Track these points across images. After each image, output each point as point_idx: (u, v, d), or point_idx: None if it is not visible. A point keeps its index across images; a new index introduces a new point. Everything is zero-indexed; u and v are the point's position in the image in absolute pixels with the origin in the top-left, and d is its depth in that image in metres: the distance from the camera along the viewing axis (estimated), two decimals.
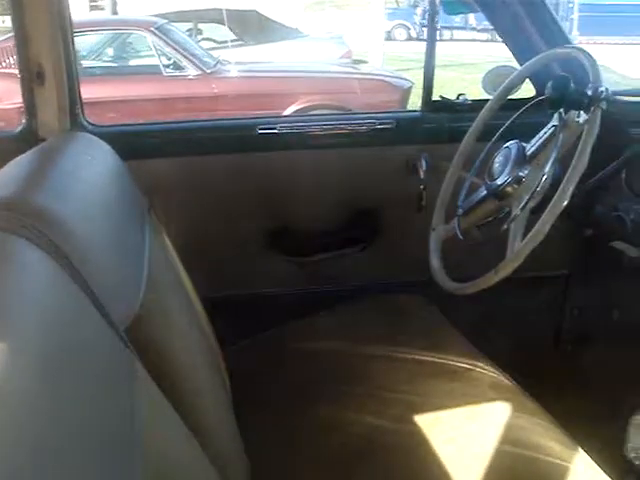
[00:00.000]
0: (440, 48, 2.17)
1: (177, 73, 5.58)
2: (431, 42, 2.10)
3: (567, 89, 1.51)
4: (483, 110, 1.89)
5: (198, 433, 1.00)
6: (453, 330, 1.88)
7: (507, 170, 1.66)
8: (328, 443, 1.47)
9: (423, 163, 2.09)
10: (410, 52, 10.77)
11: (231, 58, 6.34)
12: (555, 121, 1.63)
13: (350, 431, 1.50)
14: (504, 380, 1.67)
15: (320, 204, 2.10)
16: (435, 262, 1.78)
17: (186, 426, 0.96)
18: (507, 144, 1.73)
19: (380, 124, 2.08)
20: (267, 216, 2.12)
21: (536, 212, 1.66)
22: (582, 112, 1.53)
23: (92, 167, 1.29)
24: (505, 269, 1.53)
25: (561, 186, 1.47)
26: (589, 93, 1.51)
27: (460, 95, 2.16)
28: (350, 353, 1.77)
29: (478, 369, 1.69)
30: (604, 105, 1.50)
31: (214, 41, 7.50)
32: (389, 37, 13.77)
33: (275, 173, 2.06)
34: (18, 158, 1.18)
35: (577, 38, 11.67)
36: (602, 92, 1.49)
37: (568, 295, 2.35)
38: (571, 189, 1.46)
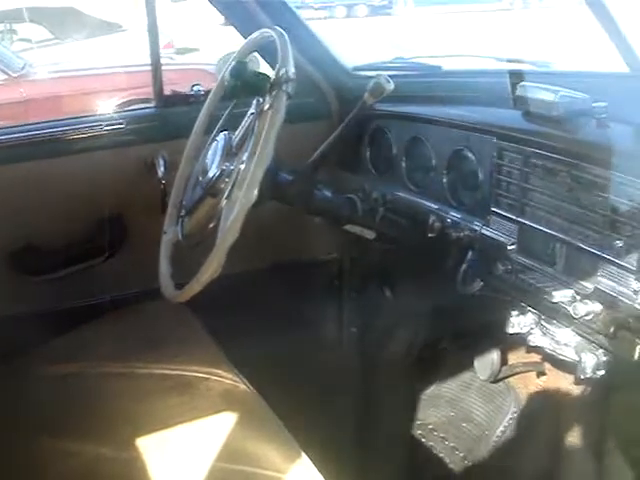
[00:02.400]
0: None
1: None
2: (153, 32, 1.97)
3: (244, 75, 1.40)
4: (207, 101, 1.78)
5: None
6: (202, 336, 1.78)
7: (215, 164, 1.55)
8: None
9: (161, 161, 1.96)
10: None
11: (46, 59, 6.03)
12: (253, 108, 1.52)
13: (70, 463, 1.38)
14: (240, 387, 1.59)
15: (59, 216, 1.95)
16: (163, 268, 1.66)
17: None
18: (217, 136, 1.62)
19: (108, 125, 1.93)
20: (5, 236, 1.94)
21: (258, 205, 1.57)
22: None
23: None
24: (207, 273, 1.42)
25: (247, 178, 1.36)
26: (272, 77, 1.41)
27: (194, 86, 2.03)
28: (85, 375, 1.65)
29: (214, 377, 1.61)
30: (289, 88, 1.39)
31: (29, 41, 7.14)
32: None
33: (6, 188, 1.89)
34: None
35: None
36: (284, 75, 1.39)
37: (342, 279, 2.28)
38: (257, 181, 1.36)
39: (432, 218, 1.69)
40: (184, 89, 2.06)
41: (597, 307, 1.32)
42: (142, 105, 2.07)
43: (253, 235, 1.89)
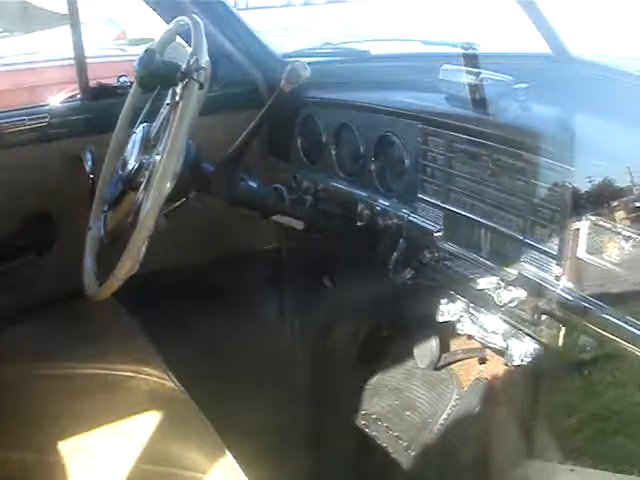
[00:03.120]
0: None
1: None
2: (75, 24, 1.90)
3: (153, 65, 1.35)
4: (130, 93, 1.72)
5: None
6: (133, 334, 1.73)
7: (134, 157, 1.50)
8: None
9: (89, 156, 1.90)
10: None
11: None
12: (169, 99, 1.48)
13: None
14: (168, 385, 1.56)
15: None
16: (87, 265, 1.60)
17: None
18: (136, 129, 1.57)
19: (32, 119, 1.87)
20: None
21: (181, 198, 1.53)
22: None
23: None
24: (124, 269, 1.37)
25: (158, 172, 1.31)
26: (183, 66, 1.36)
27: (121, 77, 1.97)
28: (11, 378, 1.58)
29: (142, 375, 1.58)
30: (201, 77, 1.34)
31: None
32: None
33: None
34: None
35: None
36: (194, 64, 1.34)
37: (282, 270, 2.24)
38: (170, 173, 1.31)
39: (361, 206, 1.66)
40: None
41: (521, 293, 1.30)
42: (67, 98, 1.99)
43: (189, 229, 1.87)
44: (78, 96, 1.98)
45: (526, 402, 1.66)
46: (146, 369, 1.58)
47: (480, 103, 1.39)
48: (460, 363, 1.98)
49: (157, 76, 1.38)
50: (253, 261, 2.22)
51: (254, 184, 1.64)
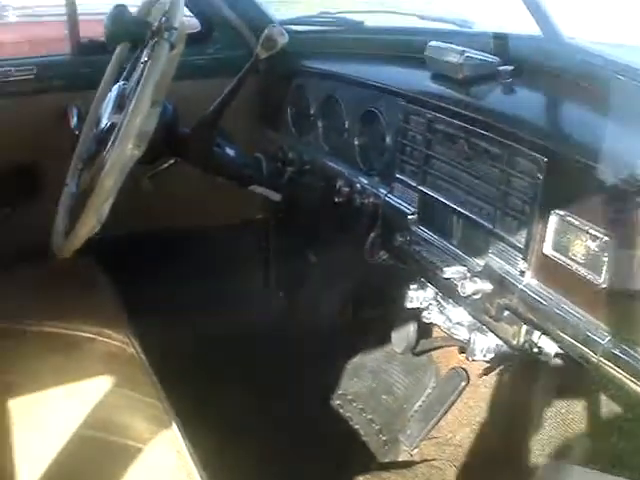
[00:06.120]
0: None
1: None
2: None
3: (123, 22, 1.30)
4: (116, 50, 1.68)
5: None
6: (104, 296, 1.70)
7: (106, 115, 1.46)
8: None
9: (75, 111, 1.86)
10: None
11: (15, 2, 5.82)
12: (146, 57, 1.42)
13: None
14: (128, 351, 1.52)
15: None
16: (58, 220, 1.56)
17: None
18: (113, 87, 1.52)
19: (18, 71, 1.83)
20: None
21: (144, 162, 1.48)
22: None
23: None
24: (84, 228, 1.33)
25: (119, 136, 1.27)
26: (154, 24, 1.30)
27: None
28: None
29: (102, 338, 1.54)
30: (172, 38, 1.29)
31: None
32: None
33: None
34: None
35: None
36: (165, 23, 1.28)
37: (269, 242, 2.20)
38: (130, 135, 1.26)
39: (340, 182, 1.60)
40: None
41: (486, 286, 1.24)
42: (55, 52, 1.95)
43: (176, 195, 1.83)
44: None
45: (498, 396, 1.61)
46: (109, 332, 1.55)
47: (462, 83, 1.32)
48: (441, 351, 1.93)
49: (126, 33, 1.33)
50: (239, 231, 2.18)
51: (232, 152, 1.59)
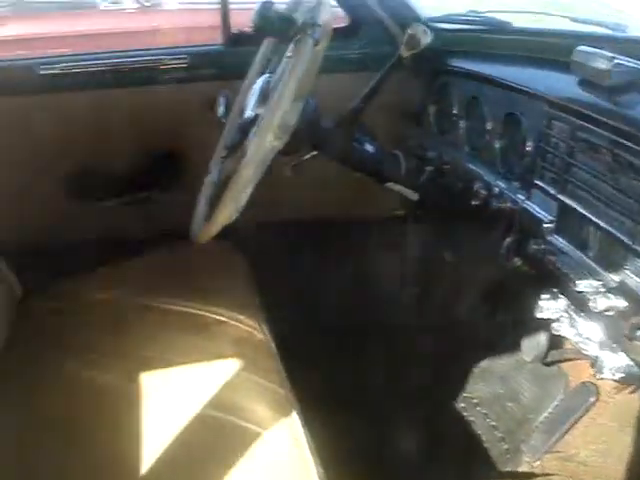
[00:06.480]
0: None
1: (114, 7, 5.36)
2: None
3: (269, 16, 1.33)
4: (263, 43, 1.73)
5: None
6: (240, 280, 1.76)
7: (251, 107, 1.51)
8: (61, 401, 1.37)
9: (222, 100, 1.92)
10: None
11: None
12: (290, 51, 1.46)
13: (78, 385, 1.42)
14: (257, 337, 1.57)
15: (117, 146, 1.97)
16: (199, 207, 1.63)
17: None
18: (259, 79, 1.57)
19: (172, 60, 1.91)
20: (60, 164, 1.99)
21: (285, 154, 1.52)
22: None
23: None
24: (220, 216, 1.39)
25: (260, 128, 1.31)
26: (299, 21, 1.33)
27: None
28: (124, 304, 1.67)
29: (233, 322, 1.60)
30: (316, 34, 1.31)
31: None
32: None
33: (63, 117, 1.92)
34: None
35: None
36: (309, 20, 1.31)
37: (405, 238, 2.20)
38: (270, 128, 1.30)
39: (478, 185, 1.58)
40: None
41: (620, 303, 1.19)
42: (208, 43, 2.02)
43: (317, 186, 1.86)
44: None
45: (629, 417, 1.55)
46: (241, 317, 1.60)
47: (610, 91, 1.27)
48: (572, 363, 1.87)
49: (271, 28, 1.35)
50: (375, 226, 2.18)
51: (371, 148, 1.59)
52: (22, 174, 1.95)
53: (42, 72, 1.90)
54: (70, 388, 1.40)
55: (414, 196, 1.64)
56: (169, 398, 1.38)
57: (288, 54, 1.46)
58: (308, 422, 1.33)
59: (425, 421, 1.93)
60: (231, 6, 2.02)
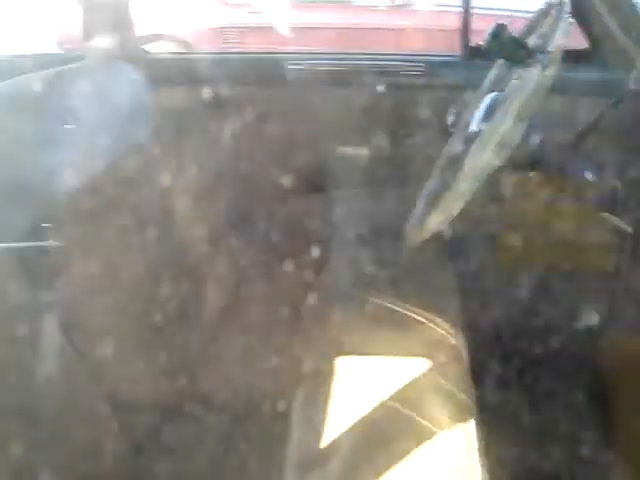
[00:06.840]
0: None
1: (367, 3, 5.51)
2: None
3: (501, 38, 1.39)
4: (496, 62, 1.78)
5: None
6: (448, 283, 1.83)
7: (476, 121, 1.58)
8: None
9: (453, 111, 2.00)
10: None
11: None
12: (519, 74, 1.51)
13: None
14: (450, 341, 1.62)
15: (344, 143, 2.08)
16: (416, 211, 1.71)
17: None
18: (487, 95, 1.63)
19: (408, 67, 2.01)
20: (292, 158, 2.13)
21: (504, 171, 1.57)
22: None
23: None
24: (431, 222, 1.47)
25: (480, 143, 1.37)
26: (530, 45, 1.38)
27: None
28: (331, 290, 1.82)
29: (430, 324, 1.66)
30: (545, 60, 1.36)
31: None
32: None
33: (303, 111, 2.07)
34: None
35: None
36: (541, 46, 1.35)
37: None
38: (489, 148, 1.36)
39: None
40: None
41: None
42: (445, 53, 2.09)
43: (527, 207, 1.88)
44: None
45: None
46: (439, 320, 1.65)
47: None
48: None
49: (502, 51, 1.41)
50: (584, 252, 2.14)
51: (589, 175, 1.60)
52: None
53: (289, 67, 2.05)
54: None
55: (628, 229, 1.62)
56: (359, 385, 1.47)
57: (516, 76, 1.49)
58: (484, 435, 1.37)
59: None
60: (475, 10, 2.05)
